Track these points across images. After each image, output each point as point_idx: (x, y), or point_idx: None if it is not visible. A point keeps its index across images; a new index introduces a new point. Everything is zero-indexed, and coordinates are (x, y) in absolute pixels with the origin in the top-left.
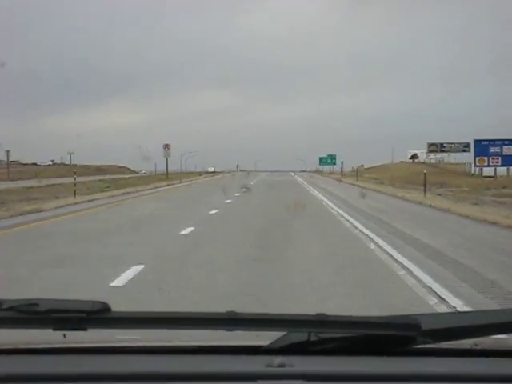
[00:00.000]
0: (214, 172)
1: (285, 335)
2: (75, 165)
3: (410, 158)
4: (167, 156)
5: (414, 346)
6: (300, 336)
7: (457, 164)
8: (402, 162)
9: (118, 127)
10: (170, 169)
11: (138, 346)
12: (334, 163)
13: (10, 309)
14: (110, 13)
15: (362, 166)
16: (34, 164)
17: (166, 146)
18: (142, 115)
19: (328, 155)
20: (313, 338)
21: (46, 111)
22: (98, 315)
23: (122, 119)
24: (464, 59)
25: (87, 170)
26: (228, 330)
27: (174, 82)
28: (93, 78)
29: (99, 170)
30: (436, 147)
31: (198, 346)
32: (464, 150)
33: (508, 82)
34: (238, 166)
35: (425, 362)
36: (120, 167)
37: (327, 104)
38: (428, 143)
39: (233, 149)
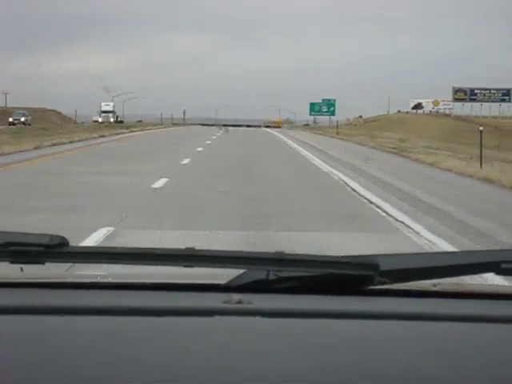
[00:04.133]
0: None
1: (243, 273)
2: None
3: (413, 108)
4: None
5: (372, 286)
6: (259, 274)
7: (494, 117)
8: (399, 111)
9: (86, 71)
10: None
11: (95, 281)
12: (333, 112)
13: None
14: None
15: (361, 116)
16: None
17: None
18: (111, 61)
19: (324, 100)
20: (271, 277)
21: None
22: (57, 249)
23: (91, 64)
24: None
25: None
26: (186, 267)
27: (143, 27)
28: (66, 22)
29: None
30: (464, 94)
31: (156, 283)
32: (503, 100)
33: None
34: (184, 111)
35: (382, 301)
36: (47, 111)
37: (303, 52)
38: (454, 88)
39: (191, 96)
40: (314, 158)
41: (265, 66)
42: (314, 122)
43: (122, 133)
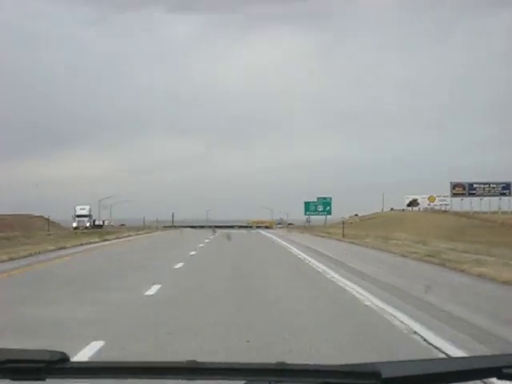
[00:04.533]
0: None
1: None
2: None
3: (409, 205)
4: None
5: None
6: None
7: (494, 213)
8: (392, 209)
9: (77, 177)
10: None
11: None
12: (329, 212)
13: None
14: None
15: (356, 215)
16: None
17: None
18: (102, 165)
19: (319, 199)
20: None
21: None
22: (57, 365)
23: (81, 169)
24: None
25: None
26: (188, 380)
27: (136, 131)
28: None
29: None
30: (463, 189)
31: None
32: (503, 194)
33: None
34: (173, 214)
35: None
36: (34, 217)
37: (292, 153)
38: (452, 183)
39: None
40: (347, 282)
41: (254, 165)
42: (307, 221)
43: (91, 242)
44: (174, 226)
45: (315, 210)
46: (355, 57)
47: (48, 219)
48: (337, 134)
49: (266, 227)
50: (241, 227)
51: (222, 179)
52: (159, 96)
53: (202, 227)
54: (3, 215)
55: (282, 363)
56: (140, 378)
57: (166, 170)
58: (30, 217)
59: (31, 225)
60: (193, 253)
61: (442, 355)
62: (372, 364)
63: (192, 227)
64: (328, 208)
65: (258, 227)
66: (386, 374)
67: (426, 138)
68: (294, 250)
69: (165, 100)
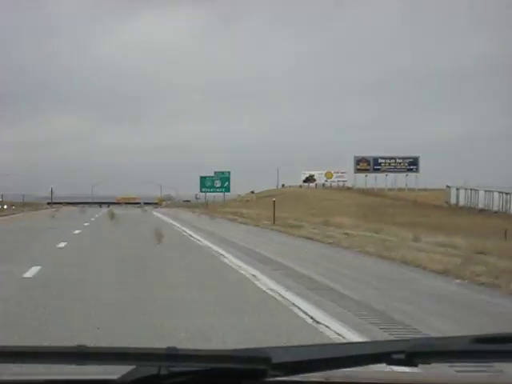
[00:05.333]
0: None
1: (134, 369)
2: None
3: (305, 181)
4: None
5: (265, 379)
6: (150, 370)
7: (400, 190)
8: (283, 185)
9: None
10: None
11: None
12: (228, 188)
13: None
14: None
15: (253, 192)
16: None
17: None
18: None
19: (216, 173)
20: (163, 372)
21: None
22: None
23: None
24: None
25: None
26: (77, 365)
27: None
28: None
29: None
30: (367, 164)
31: (46, 380)
32: (410, 169)
33: None
34: (52, 189)
35: None
36: None
37: (182, 129)
38: (355, 157)
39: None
40: None
41: (144, 142)
42: (196, 198)
43: None
44: (55, 203)
45: (212, 187)
46: (242, 34)
47: None
48: (226, 109)
49: (155, 204)
50: (128, 204)
51: (108, 154)
52: (45, 70)
53: (86, 204)
54: None
55: (174, 348)
56: (26, 362)
57: (52, 146)
58: None
59: None
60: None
61: None
62: (263, 349)
63: (73, 204)
64: (226, 184)
65: (146, 203)
66: (276, 359)
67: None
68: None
69: (54, 75)
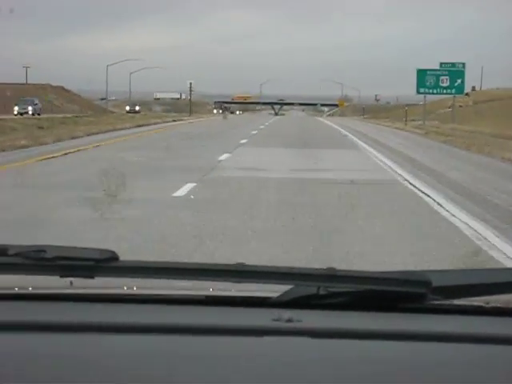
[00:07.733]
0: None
1: (293, 288)
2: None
3: None
4: None
5: (425, 303)
6: (309, 290)
7: None
8: None
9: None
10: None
11: (145, 295)
12: (461, 89)
13: (17, 255)
14: None
15: (467, 94)
16: None
17: None
18: (164, 38)
19: (444, 65)
20: (322, 292)
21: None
22: (106, 264)
23: (132, 42)
24: None
25: None
26: (236, 282)
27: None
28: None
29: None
30: None
31: (206, 296)
32: None
33: None
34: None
35: (435, 319)
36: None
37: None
38: None
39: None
40: None
41: (324, 41)
42: (376, 99)
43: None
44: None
45: (437, 86)
46: None
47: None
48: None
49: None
50: (302, 105)
51: (283, 53)
52: None
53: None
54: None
55: (333, 269)
56: (187, 279)
57: (225, 45)
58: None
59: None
60: None
61: None
62: (421, 272)
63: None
64: (459, 82)
65: (323, 105)
66: (437, 282)
67: None
68: None
69: None
